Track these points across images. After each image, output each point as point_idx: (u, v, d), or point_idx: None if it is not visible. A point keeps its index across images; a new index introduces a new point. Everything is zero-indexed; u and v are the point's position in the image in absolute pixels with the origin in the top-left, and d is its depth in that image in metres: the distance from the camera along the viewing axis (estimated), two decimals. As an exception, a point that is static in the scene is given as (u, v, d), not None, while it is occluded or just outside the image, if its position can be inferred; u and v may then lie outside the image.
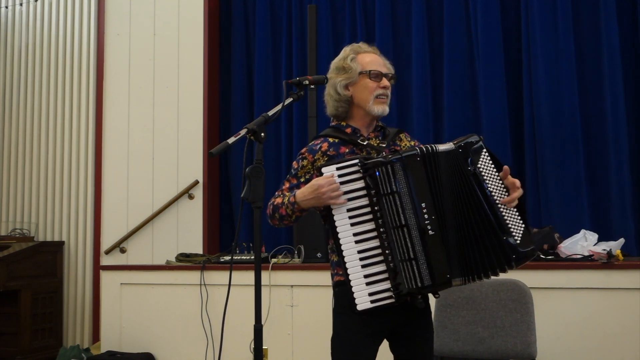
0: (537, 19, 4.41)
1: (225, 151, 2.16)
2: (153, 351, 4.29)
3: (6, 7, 6.07)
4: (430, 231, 2.03)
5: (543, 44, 4.39)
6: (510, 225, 2.06)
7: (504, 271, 2.07)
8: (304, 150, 2.28)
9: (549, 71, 4.38)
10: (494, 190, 2.07)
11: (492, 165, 2.09)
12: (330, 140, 2.25)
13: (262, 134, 2.02)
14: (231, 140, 2.02)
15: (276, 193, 2.27)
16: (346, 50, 2.33)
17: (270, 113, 2.08)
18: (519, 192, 2.08)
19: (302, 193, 2.14)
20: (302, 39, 5.09)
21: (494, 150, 2.14)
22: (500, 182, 2.08)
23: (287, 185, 2.26)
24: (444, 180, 2.06)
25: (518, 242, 2.05)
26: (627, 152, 4.21)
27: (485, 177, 2.07)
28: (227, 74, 5.44)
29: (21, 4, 6.02)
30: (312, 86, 2.23)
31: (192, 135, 5.22)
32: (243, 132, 2.01)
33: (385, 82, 2.25)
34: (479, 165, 2.07)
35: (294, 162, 2.29)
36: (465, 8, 4.69)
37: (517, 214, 2.08)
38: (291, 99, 2.19)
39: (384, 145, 2.24)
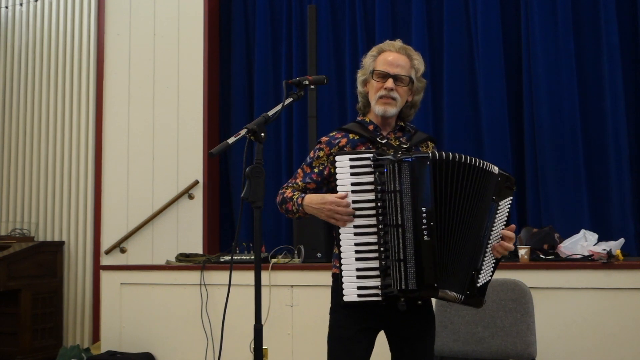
0: (537, 19, 4.41)
1: (225, 151, 2.16)
2: (153, 351, 4.29)
3: (6, 7, 6.07)
4: (425, 237, 2.01)
5: (543, 44, 4.39)
6: (483, 268, 2.09)
7: (455, 300, 2.08)
8: (323, 139, 2.29)
9: (549, 71, 4.37)
10: (494, 232, 2.11)
11: (507, 212, 2.14)
12: (351, 136, 2.25)
13: (262, 134, 2.01)
14: (231, 140, 2.01)
15: (289, 181, 2.29)
16: (374, 47, 2.32)
17: (270, 113, 2.08)
18: (510, 245, 2.12)
19: (310, 199, 2.15)
20: (302, 39, 5.09)
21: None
22: (502, 229, 2.12)
23: (301, 173, 2.27)
24: (459, 190, 2.05)
25: (479, 285, 2.09)
26: (627, 152, 4.20)
27: (497, 216, 2.11)
28: (227, 74, 5.43)
29: (21, 4, 6.02)
30: (312, 86, 2.23)
31: (192, 135, 5.22)
32: (243, 132, 2.01)
33: (389, 83, 2.20)
34: (500, 203, 2.11)
35: (312, 151, 2.30)
36: (465, 8, 4.68)
37: (493, 263, 2.13)
38: (291, 99, 2.19)
39: (405, 147, 2.22)
